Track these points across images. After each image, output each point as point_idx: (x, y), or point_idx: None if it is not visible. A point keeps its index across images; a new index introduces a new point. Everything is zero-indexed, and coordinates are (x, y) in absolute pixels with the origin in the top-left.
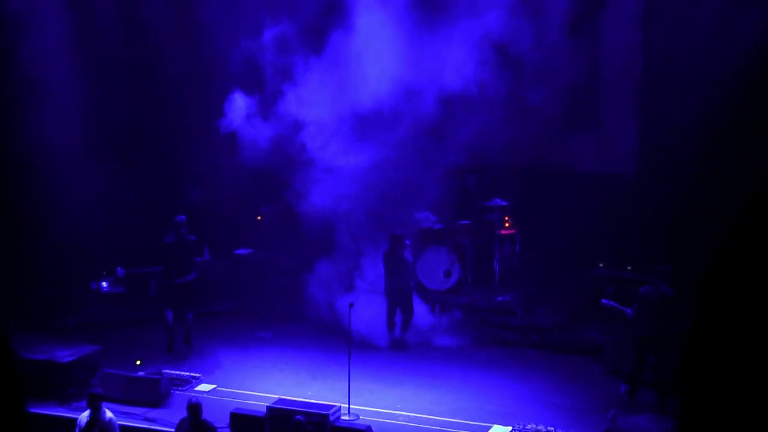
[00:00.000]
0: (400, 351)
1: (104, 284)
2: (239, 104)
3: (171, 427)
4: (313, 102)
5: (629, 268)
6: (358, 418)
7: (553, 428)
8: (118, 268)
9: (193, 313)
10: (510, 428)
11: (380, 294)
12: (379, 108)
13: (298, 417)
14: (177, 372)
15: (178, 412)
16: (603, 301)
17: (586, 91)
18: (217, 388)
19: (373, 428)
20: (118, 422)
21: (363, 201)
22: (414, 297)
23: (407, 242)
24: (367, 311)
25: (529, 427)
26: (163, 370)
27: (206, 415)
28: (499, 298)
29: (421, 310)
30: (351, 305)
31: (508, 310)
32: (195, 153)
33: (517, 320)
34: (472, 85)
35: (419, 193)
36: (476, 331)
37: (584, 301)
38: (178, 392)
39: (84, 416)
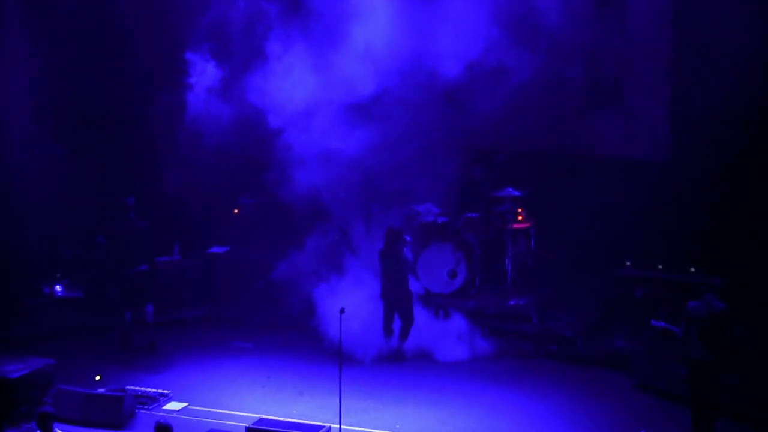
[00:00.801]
0: (398, 363)
1: (58, 288)
2: (208, 75)
3: None
4: (297, 79)
5: (660, 267)
6: None
7: None
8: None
9: (154, 306)
10: None
11: (375, 298)
12: (375, 87)
13: None
14: (143, 389)
15: None
16: (653, 322)
17: (611, 65)
18: (189, 407)
19: None
20: None
21: (356, 191)
22: (414, 301)
23: (407, 238)
24: (360, 317)
25: None
26: (127, 387)
27: None
28: (512, 303)
29: (422, 316)
30: (342, 311)
31: (521, 316)
32: (161, 135)
33: (532, 327)
34: (480, 59)
35: (420, 183)
36: (485, 341)
37: (609, 306)
38: (143, 412)
39: None
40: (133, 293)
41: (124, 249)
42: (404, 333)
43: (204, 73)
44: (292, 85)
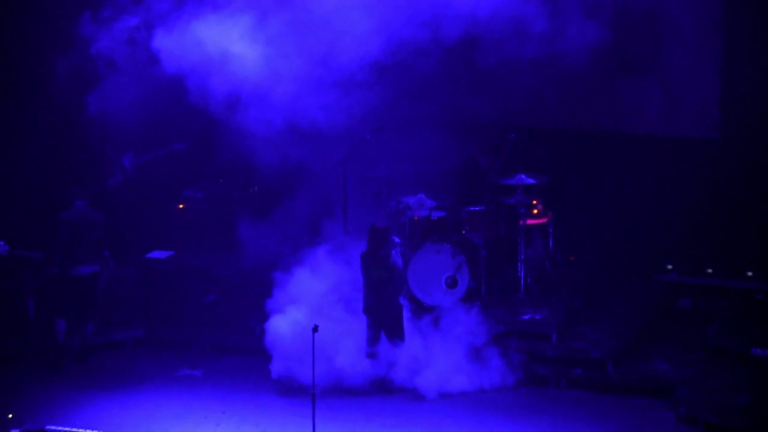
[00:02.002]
0: (384, 394)
1: None
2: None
3: None
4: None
5: (710, 270)
6: None
7: None
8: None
9: (95, 324)
10: None
11: (356, 312)
12: (354, 47)
13: None
14: (68, 429)
15: None
16: (753, 351)
17: (646, 22)
18: None
19: None
20: None
21: (329, 179)
22: (405, 316)
23: (395, 239)
24: (339, 336)
25: None
26: (47, 426)
27: None
28: (526, 317)
29: (414, 336)
30: (315, 329)
31: (538, 334)
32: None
33: (551, 348)
34: (489, 14)
35: (410, 168)
36: (493, 365)
37: (648, 319)
38: None
39: None
40: (75, 302)
41: (74, 245)
42: (392, 356)
43: (126, 29)
44: (242, 43)
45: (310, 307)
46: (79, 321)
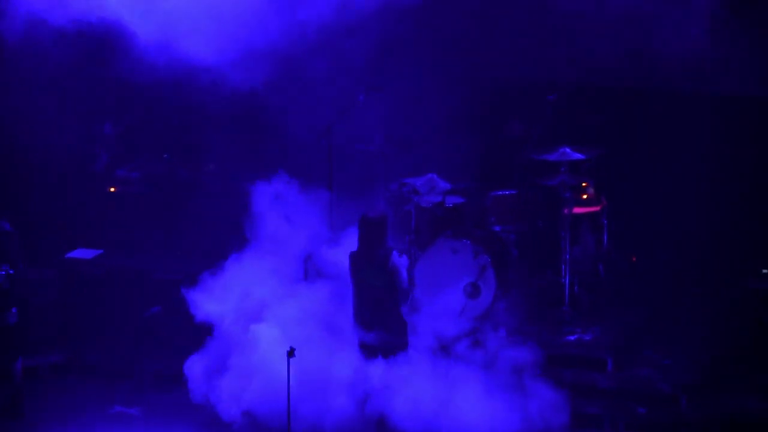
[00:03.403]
0: None
1: None
2: None
3: None
4: None
5: None
6: None
7: None
8: None
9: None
10: None
11: (343, 331)
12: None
13: None
14: None
15: None
16: None
17: None
18: None
19: None
20: None
21: (309, 151)
22: (409, 333)
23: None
24: (322, 359)
25: None
26: None
27: None
28: (573, 337)
29: (422, 361)
30: (291, 352)
31: (588, 360)
32: None
33: (606, 378)
34: None
35: (417, 139)
36: (530, 400)
37: (735, 340)
38: None
39: None
40: None
41: None
42: (391, 388)
43: None
44: None
45: (279, 323)
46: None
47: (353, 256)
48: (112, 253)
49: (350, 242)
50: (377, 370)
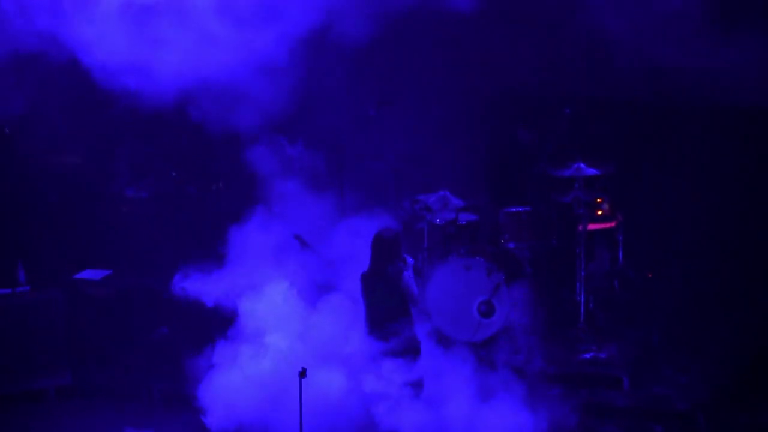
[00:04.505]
0: None
1: None
2: None
3: None
4: None
5: None
6: None
7: None
8: None
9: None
10: None
11: (353, 352)
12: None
13: None
14: None
15: None
16: None
17: None
18: None
19: None
20: None
21: (322, 169)
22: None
23: (408, 259)
24: (329, 385)
25: None
26: None
27: None
28: (588, 355)
29: (436, 382)
30: (303, 372)
31: (604, 378)
32: None
33: (623, 396)
34: None
35: (429, 155)
36: (545, 419)
37: (756, 357)
38: None
39: None
40: None
41: None
42: (402, 412)
43: None
44: None
45: (288, 341)
46: None
47: (365, 276)
48: (120, 273)
49: (362, 261)
50: (390, 381)
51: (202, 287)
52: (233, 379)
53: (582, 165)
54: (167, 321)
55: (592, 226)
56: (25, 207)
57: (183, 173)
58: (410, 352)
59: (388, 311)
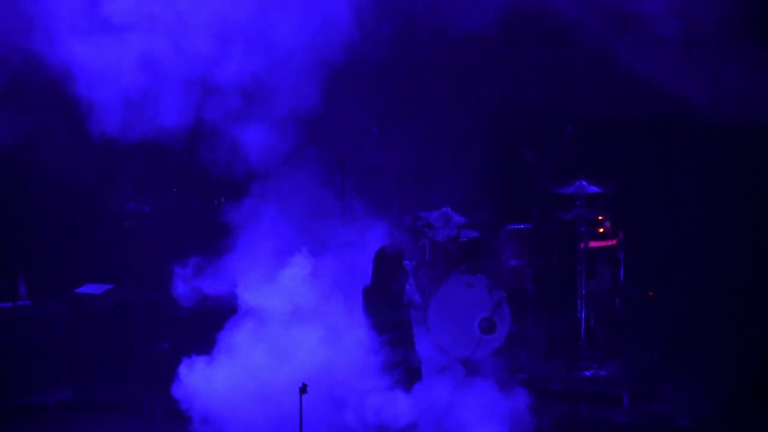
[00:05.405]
0: None
1: None
2: None
3: None
4: None
5: None
6: None
7: None
8: None
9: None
10: None
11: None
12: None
13: None
14: None
15: None
16: None
17: None
18: None
19: None
20: None
21: (324, 188)
22: (424, 369)
23: (408, 270)
24: (327, 403)
25: None
26: None
27: None
28: (589, 373)
29: (438, 398)
30: (304, 388)
31: (605, 396)
32: None
33: (623, 414)
34: None
35: (432, 173)
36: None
37: (755, 374)
38: None
39: None
40: None
41: None
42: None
43: None
44: None
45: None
46: None
47: (366, 291)
48: (122, 287)
49: (363, 276)
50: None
51: (204, 288)
52: (230, 393)
53: (584, 182)
54: (169, 336)
55: (593, 244)
56: (27, 221)
57: (185, 188)
58: (409, 371)
59: (389, 327)
